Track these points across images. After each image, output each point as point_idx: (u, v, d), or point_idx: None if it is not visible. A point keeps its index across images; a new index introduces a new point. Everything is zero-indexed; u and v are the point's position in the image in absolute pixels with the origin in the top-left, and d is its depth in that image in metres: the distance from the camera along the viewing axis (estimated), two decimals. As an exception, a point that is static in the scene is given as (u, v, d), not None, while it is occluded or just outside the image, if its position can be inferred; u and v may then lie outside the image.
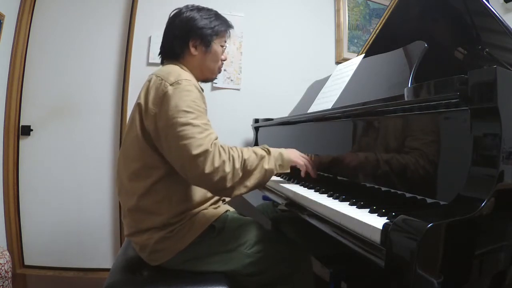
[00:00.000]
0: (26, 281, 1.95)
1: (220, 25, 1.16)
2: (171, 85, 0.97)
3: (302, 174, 1.14)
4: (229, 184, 0.93)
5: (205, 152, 0.90)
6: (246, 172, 0.97)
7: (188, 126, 0.92)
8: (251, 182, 0.98)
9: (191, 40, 1.12)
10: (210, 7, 1.19)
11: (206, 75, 1.19)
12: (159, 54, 1.19)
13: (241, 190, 0.97)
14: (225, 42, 1.20)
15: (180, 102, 0.94)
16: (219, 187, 0.93)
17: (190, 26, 1.11)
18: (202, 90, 1.17)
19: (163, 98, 0.96)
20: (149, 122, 0.98)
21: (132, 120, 1.05)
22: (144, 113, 1.00)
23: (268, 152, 1.05)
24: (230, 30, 1.21)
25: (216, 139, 0.96)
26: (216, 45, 1.16)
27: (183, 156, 0.91)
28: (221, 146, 0.95)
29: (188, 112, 0.94)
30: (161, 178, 1.00)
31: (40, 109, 2.03)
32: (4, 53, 1.91)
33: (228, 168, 0.92)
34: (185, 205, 1.05)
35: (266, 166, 1.01)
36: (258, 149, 1.04)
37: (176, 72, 1.03)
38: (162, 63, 1.19)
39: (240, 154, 0.97)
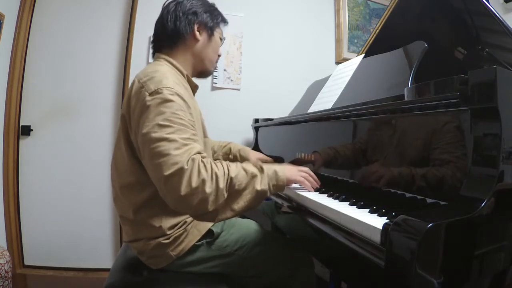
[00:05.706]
0: (26, 281, 1.95)
1: (220, 16, 1.13)
2: (150, 94, 0.86)
3: (308, 188, 1.00)
4: (211, 207, 0.79)
5: (180, 171, 0.76)
6: (233, 192, 0.82)
7: (163, 141, 0.79)
8: (239, 205, 0.83)
9: (197, 22, 1.05)
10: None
11: (206, 65, 1.11)
12: (152, 44, 1.09)
13: (226, 214, 0.82)
14: (223, 37, 1.17)
15: (157, 115, 0.83)
16: (199, 211, 0.79)
17: (194, 9, 1.05)
18: (197, 87, 1.11)
19: (142, 110, 0.86)
20: (134, 136, 0.90)
21: (119, 132, 0.98)
22: (128, 125, 0.92)
23: (261, 170, 0.88)
24: (226, 27, 1.17)
25: (197, 153, 0.82)
26: (217, 35, 1.12)
27: (156, 177, 0.80)
28: (203, 161, 0.81)
29: (163, 126, 0.81)
30: (155, 193, 0.87)
31: (40, 109, 2.03)
32: (4, 53, 1.90)
33: (209, 189, 0.78)
34: (182, 216, 0.99)
35: (258, 187, 0.85)
36: (249, 166, 0.87)
37: (160, 75, 0.91)
38: (154, 55, 1.09)
39: (226, 171, 0.82)
